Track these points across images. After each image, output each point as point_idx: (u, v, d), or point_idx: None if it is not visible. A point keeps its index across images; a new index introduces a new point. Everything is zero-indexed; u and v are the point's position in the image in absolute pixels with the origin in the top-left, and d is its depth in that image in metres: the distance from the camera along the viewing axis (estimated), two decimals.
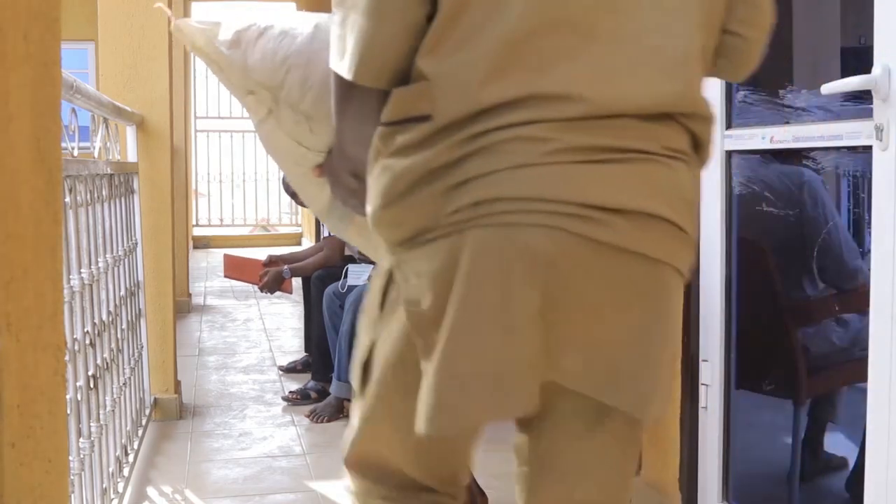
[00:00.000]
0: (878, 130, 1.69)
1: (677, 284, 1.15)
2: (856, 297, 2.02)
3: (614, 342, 1.09)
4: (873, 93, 1.68)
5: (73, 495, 2.06)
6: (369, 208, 1.12)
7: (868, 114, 1.73)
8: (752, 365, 2.32)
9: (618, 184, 1.04)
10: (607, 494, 1.22)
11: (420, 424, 1.09)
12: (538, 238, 1.03)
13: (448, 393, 1.07)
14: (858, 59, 1.81)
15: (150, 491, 2.85)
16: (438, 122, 1.04)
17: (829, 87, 1.79)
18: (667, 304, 1.13)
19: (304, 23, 1.48)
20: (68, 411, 2.05)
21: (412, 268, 1.09)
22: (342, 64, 1.09)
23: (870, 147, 1.73)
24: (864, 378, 1.76)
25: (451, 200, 1.04)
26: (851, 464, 2.15)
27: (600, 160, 1.03)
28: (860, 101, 1.80)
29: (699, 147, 1.16)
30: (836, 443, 2.35)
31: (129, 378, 3.01)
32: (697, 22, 1.12)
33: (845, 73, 1.77)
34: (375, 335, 1.20)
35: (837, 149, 1.95)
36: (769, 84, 2.22)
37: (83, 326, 2.18)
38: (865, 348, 1.76)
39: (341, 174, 1.30)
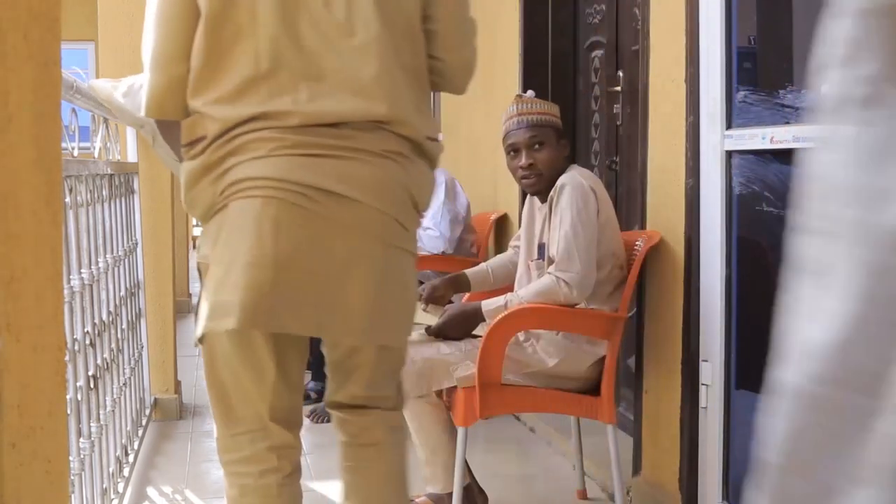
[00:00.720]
0: None
1: (373, 245, 1.56)
2: None
3: (320, 289, 1.52)
4: None
5: (73, 495, 2.06)
6: (181, 197, 1.63)
7: None
8: (752, 365, 2.32)
9: (316, 170, 1.50)
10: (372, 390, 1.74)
11: (198, 329, 1.56)
12: (268, 204, 1.49)
13: (213, 304, 1.51)
14: None
15: (150, 491, 2.86)
16: (210, 137, 1.53)
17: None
18: (360, 253, 1.54)
19: None
20: (68, 411, 2.05)
21: (203, 233, 1.59)
22: (143, 105, 1.62)
23: None
24: None
25: (220, 184, 1.53)
26: None
27: (310, 155, 1.50)
28: None
29: (421, 148, 1.61)
30: None
31: (129, 378, 3.01)
32: (389, 56, 1.55)
33: None
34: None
35: None
36: (769, 84, 2.22)
37: (83, 326, 2.18)
38: None
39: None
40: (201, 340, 1.58)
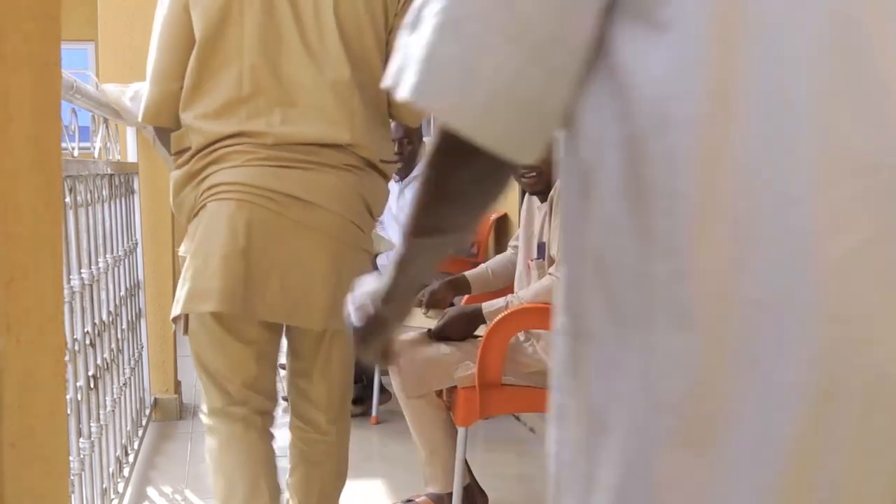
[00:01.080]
0: None
1: (335, 242, 1.80)
2: None
3: (287, 281, 1.76)
4: None
5: (73, 495, 2.06)
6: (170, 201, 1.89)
7: None
8: None
9: (285, 179, 1.75)
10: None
11: (176, 309, 1.80)
12: (240, 207, 1.74)
13: (192, 289, 1.75)
14: None
15: (150, 491, 2.86)
16: (194, 149, 1.79)
17: None
18: (321, 251, 1.78)
19: None
20: (68, 411, 2.05)
21: (187, 231, 1.83)
22: (140, 111, 1.88)
23: None
24: None
25: (200, 188, 1.78)
26: None
27: (280, 166, 1.75)
28: None
29: (376, 167, 1.87)
30: None
31: (129, 378, 3.01)
32: (354, 93, 1.79)
33: None
34: None
35: None
36: None
37: (83, 326, 2.18)
38: None
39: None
40: (175, 320, 1.85)
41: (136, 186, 3.31)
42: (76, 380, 2.09)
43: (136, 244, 3.33)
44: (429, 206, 0.86)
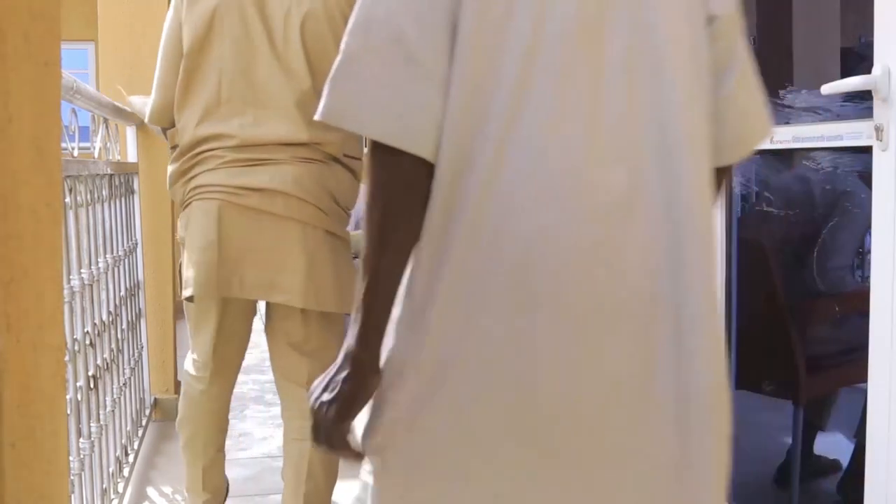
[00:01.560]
0: (878, 131, 1.69)
1: (300, 224, 2.03)
2: (855, 298, 2.02)
3: (261, 262, 2.03)
4: (873, 93, 1.68)
5: (73, 495, 2.06)
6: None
7: (868, 114, 1.73)
8: (752, 365, 2.32)
9: (251, 175, 2.02)
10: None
11: (185, 292, 2.11)
12: (216, 204, 2.04)
13: (183, 278, 2.10)
14: (858, 58, 1.81)
15: (150, 491, 2.86)
16: (181, 148, 2.11)
17: (829, 87, 1.79)
18: (288, 233, 2.03)
19: None
20: (68, 411, 2.05)
21: (181, 217, 2.14)
22: (147, 114, 2.26)
23: (870, 147, 1.73)
24: (865, 378, 1.76)
25: (187, 187, 2.10)
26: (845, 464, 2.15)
27: (248, 165, 2.03)
28: (860, 101, 1.80)
29: (340, 162, 2.11)
30: (836, 444, 2.35)
31: (130, 378, 3.01)
32: (311, 98, 2.00)
33: (845, 73, 1.77)
34: None
35: (837, 149, 1.95)
36: (769, 84, 2.22)
37: (83, 327, 2.18)
38: (865, 349, 1.76)
39: None
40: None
41: (136, 186, 3.31)
42: (76, 380, 2.09)
43: (136, 244, 3.33)
44: (382, 224, 0.99)
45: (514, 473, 0.99)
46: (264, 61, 2.05)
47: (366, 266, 0.99)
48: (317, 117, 0.98)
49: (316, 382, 1.04)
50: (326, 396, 1.02)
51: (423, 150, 0.97)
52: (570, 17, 0.97)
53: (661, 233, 0.99)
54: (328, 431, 1.02)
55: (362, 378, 1.02)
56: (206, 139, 2.06)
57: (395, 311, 1.03)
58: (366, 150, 1.00)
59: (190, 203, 2.10)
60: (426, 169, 0.98)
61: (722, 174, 1.17)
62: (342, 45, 0.99)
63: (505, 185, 0.96)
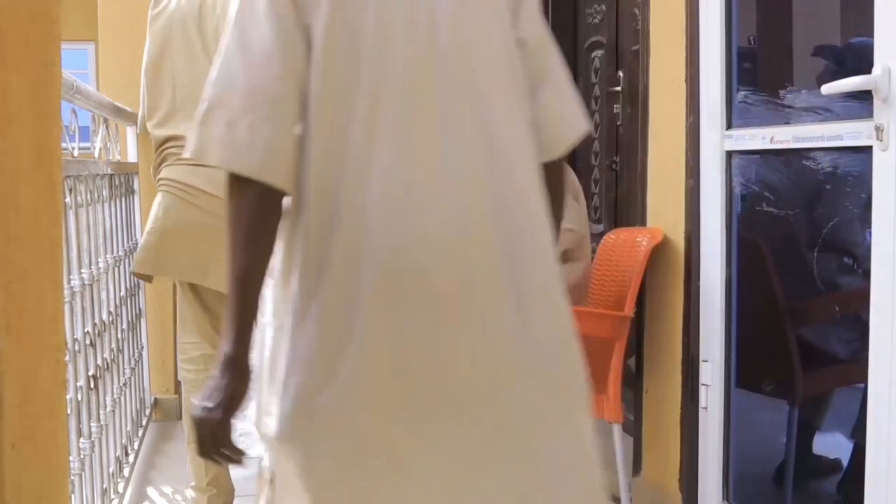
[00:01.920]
0: (878, 130, 1.69)
1: None
2: (856, 298, 2.02)
3: (198, 252, 2.29)
4: (873, 93, 1.68)
5: (73, 495, 2.06)
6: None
7: (868, 114, 1.73)
8: (752, 365, 2.32)
9: (198, 175, 2.25)
10: None
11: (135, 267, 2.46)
12: (165, 196, 2.36)
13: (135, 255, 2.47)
14: (858, 59, 1.81)
15: (150, 491, 2.86)
16: (153, 147, 2.45)
17: (829, 87, 1.79)
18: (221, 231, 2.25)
19: None
20: (68, 411, 2.05)
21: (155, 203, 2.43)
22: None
23: (870, 147, 1.73)
24: (865, 378, 1.76)
25: (157, 178, 2.41)
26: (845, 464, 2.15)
27: (192, 164, 2.16)
28: (860, 101, 1.80)
29: None
30: (836, 443, 2.35)
31: (130, 378, 3.01)
32: None
33: (845, 73, 1.77)
34: None
35: (837, 149, 1.95)
36: (769, 84, 2.22)
37: (83, 327, 2.18)
38: (865, 348, 1.76)
39: None
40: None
41: (136, 186, 3.31)
42: (76, 380, 2.09)
43: (136, 244, 3.32)
44: (242, 243, 1.22)
45: (401, 431, 1.21)
46: (205, 72, 2.14)
47: (232, 279, 1.22)
48: (185, 154, 1.23)
49: (198, 400, 1.22)
50: (210, 404, 1.21)
51: (274, 179, 1.18)
52: (409, 61, 1.20)
53: (496, 225, 1.22)
54: (214, 431, 1.23)
55: (241, 377, 1.23)
56: (167, 139, 2.37)
57: (271, 316, 1.29)
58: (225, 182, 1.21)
59: (161, 193, 2.40)
60: (277, 194, 1.20)
61: (556, 167, 1.39)
62: (204, 92, 1.24)
63: (369, 201, 1.17)
